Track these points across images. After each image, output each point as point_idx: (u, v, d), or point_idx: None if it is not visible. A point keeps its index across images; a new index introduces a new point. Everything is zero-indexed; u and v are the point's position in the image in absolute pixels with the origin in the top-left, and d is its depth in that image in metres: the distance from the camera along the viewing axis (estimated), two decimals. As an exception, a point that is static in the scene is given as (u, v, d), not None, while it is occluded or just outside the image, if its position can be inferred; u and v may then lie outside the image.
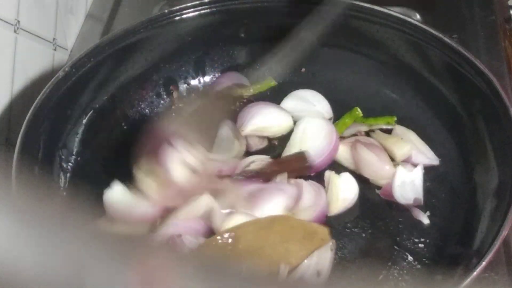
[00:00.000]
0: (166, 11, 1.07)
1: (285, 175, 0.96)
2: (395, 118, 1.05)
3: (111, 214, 0.93)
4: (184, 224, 0.89)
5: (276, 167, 0.97)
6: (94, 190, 0.98)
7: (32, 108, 0.92)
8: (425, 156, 0.99)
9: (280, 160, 0.99)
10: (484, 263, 0.76)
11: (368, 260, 0.91)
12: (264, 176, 0.96)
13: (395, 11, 1.04)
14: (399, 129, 1.03)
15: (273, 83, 1.11)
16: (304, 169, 0.98)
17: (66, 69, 0.97)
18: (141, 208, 0.91)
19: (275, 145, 1.05)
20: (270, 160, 0.99)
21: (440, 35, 0.99)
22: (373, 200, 0.98)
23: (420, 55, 1.03)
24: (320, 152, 0.98)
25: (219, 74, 1.14)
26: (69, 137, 0.99)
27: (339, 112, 1.08)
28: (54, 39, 1.15)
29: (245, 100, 1.09)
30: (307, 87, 1.12)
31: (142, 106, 1.10)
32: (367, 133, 1.04)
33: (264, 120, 1.04)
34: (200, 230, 0.90)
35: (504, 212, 0.81)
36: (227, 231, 0.87)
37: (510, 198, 0.82)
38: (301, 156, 0.98)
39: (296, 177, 0.97)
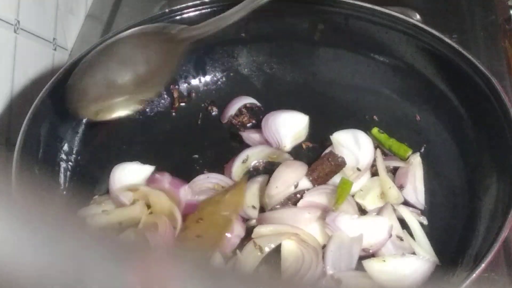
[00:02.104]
0: (166, 10, 1.07)
1: None
2: (409, 152, 1.02)
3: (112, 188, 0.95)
4: None
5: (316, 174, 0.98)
6: (94, 189, 0.98)
7: (32, 108, 0.92)
8: (415, 196, 0.97)
9: (316, 167, 0.98)
10: (484, 265, 0.76)
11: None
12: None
13: (395, 11, 1.04)
14: (415, 160, 1.00)
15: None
16: (340, 165, 0.98)
17: (67, 68, 0.97)
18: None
19: (308, 147, 1.05)
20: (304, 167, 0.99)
21: (440, 35, 0.99)
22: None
23: (420, 55, 1.03)
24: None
25: (220, 73, 1.14)
26: (69, 136, 0.99)
27: (339, 112, 1.08)
28: (54, 39, 1.15)
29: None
30: (307, 87, 1.12)
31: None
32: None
33: (294, 126, 1.05)
34: None
35: (504, 213, 0.81)
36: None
37: (510, 199, 0.82)
38: (332, 155, 0.99)
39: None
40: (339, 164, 0.98)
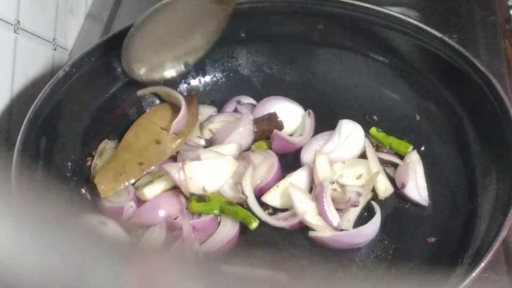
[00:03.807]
0: (166, 10, 1.06)
1: None
2: (410, 148, 1.02)
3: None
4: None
5: None
6: (94, 189, 0.98)
7: (32, 108, 0.92)
8: (418, 193, 0.97)
9: (257, 121, 1.04)
10: (483, 264, 0.76)
11: (368, 260, 0.91)
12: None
13: (395, 11, 1.04)
14: (413, 156, 1.00)
15: None
16: (276, 127, 1.04)
17: (66, 68, 0.97)
18: None
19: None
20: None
21: (440, 35, 0.99)
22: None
23: (420, 55, 1.03)
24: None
25: (219, 74, 1.14)
26: (69, 136, 0.99)
27: (339, 112, 1.08)
28: (54, 39, 1.15)
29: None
30: (307, 87, 1.12)
31: (143, 105, 1.10)
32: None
33: (289, 114, 1.07)
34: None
35: (504, 212, 0.81)
36: None
37: (510, 199, 0.82)
38: (272, 116, 1.04)
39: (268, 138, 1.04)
40: (277, 126, 1.04)
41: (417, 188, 0.97)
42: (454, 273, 0.84)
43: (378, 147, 1.03)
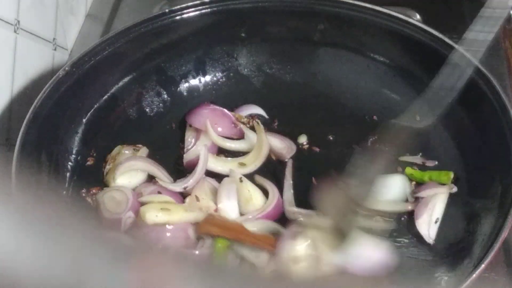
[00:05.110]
0: (166, 10, 1.07)
1: None
2: (452, 174, 0.96)
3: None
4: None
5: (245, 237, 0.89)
6: (94, 189, 0.98)
7: (32, 108, 0.92)
8: (427, 229, 0.91)
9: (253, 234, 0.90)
10: (484, 265, 0.76)
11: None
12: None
13: (395, 11, 1.04)
14: (441, 193, 0.94)
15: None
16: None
17: (67, 68, 0.97)
18: None
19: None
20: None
21: (440, 35, 0.99)
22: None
23: (420, 55, 1.03)
24: None
25: (219, 73, 1.14)
26: (69, 136, 0.99)
27: (339, 112, 1.08)
28: (54, 39, 1.15)
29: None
30: (307, 87, 1.12)
31: (142, 105, 1.10)
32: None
33: None
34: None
35: (504, 213, 0.81)
36: None
37: (510, 199, 0.82)
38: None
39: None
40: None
41: (428, 225, 0.92)
42: (454, 273, 0.84)
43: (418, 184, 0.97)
